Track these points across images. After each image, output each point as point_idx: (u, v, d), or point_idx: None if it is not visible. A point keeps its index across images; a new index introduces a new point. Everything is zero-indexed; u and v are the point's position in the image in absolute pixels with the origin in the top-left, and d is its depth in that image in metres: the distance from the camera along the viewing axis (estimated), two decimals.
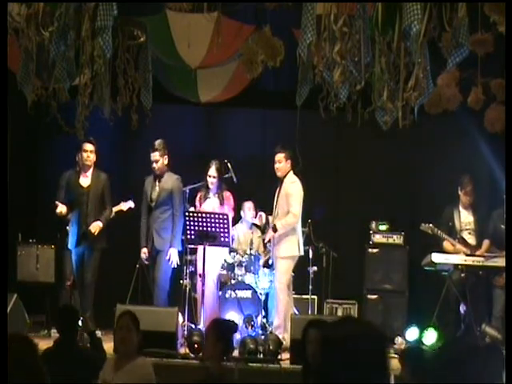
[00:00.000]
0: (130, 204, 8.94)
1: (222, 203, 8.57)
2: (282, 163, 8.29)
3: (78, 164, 8.66)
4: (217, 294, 8.47)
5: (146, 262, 8.56)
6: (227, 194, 8.62)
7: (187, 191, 8.54)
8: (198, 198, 8.71)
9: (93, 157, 8.60)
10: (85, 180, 8.66)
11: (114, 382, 4.75)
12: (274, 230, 8.18)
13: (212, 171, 8.57)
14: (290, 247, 8.25)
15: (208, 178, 8.58)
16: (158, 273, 8.42)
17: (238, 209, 9.01)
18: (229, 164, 8.80)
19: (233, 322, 5.65)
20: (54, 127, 7.18)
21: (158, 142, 8.51)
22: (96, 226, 8.50)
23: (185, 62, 7.93)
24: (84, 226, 8.53)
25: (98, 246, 8.60)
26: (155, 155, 8.51)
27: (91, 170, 8.67)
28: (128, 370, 4.80)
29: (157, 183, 8.59)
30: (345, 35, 5.51)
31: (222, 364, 4.80)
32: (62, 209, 8.46)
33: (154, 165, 8.54)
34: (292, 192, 8.24)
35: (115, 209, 8.69)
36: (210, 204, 8.61)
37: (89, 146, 8.54)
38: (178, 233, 8.45)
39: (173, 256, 8.40)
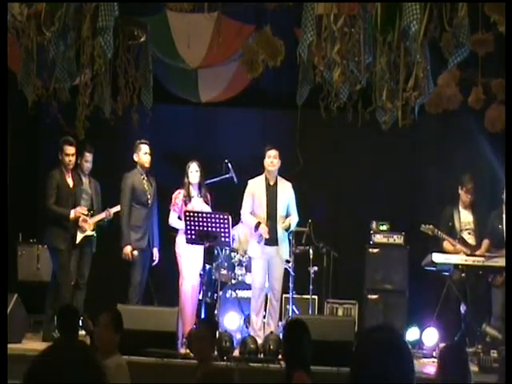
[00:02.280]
0: None
1: (208, 204, 8.46)
2: (276, 159, 8.21)
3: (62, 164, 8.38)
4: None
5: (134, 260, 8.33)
6: (208, 196, 8.54)
7: None
8: (179, 197, 8.42)
9: (74, 159, 8.35)
10: (70, 180, 8.45)
11: None
12: (288, 229, 8.16)
13: (194, 166, 8.39)
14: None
15: (190, 173, 8.37)
16: (144, 272, 8.40)
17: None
18: (229, 164, 8.79)
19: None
20: (54, 127, 7.19)
21: (143, 139, 8.40)
22: (91, 224, 8.42)
23: (185, 62, 7.94)
24: (76, 225, 8.35)
25: (91, 247, 8.53)
26: (148, 148, 8.40)
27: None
28: None
29: (149, 180, 8.49)
30: (345, 35, 5.51)
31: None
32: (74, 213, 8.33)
33: (148, 157, 8.41)
34: (293, 196, 8.24)
35: (113, 210, 8.55)
36: (198, 204, 8.42)
37: (70, 150, 8.26)
38: (158, 231, 8.59)
39: (157, 255, 8.52)
